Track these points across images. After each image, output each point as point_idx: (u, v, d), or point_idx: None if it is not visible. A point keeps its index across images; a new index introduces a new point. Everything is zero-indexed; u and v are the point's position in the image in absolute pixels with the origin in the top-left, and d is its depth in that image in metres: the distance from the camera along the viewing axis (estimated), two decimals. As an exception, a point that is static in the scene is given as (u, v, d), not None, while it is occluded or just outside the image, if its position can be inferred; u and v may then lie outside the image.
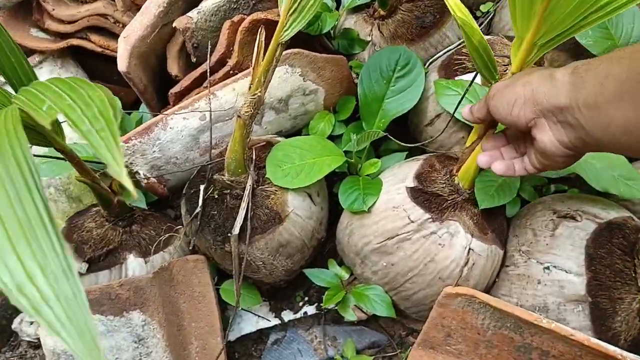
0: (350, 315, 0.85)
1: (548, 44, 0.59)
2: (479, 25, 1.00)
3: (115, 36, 0.99)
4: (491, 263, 0.76)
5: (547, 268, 0.71)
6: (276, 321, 0.93)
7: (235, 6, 0.88)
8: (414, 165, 0.80)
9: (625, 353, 0.61)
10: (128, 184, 0.34)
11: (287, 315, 0.94)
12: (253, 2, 0.89)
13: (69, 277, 0.39)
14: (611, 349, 0.62)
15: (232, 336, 0.93)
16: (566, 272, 0.69)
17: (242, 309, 0.92)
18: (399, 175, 0.80)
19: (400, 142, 0.83)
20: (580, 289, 0.67)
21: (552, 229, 0.73)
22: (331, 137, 0.92)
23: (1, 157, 0.37)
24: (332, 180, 0.94)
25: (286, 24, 0.72)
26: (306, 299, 0.94)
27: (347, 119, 0.93)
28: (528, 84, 0.52)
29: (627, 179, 0.74)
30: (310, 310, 0.94)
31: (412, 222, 0.74)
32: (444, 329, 0.73)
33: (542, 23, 0.56)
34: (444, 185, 0.76)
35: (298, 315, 0.93)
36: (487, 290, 0.80)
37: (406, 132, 0.96)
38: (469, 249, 0.73)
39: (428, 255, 0.74)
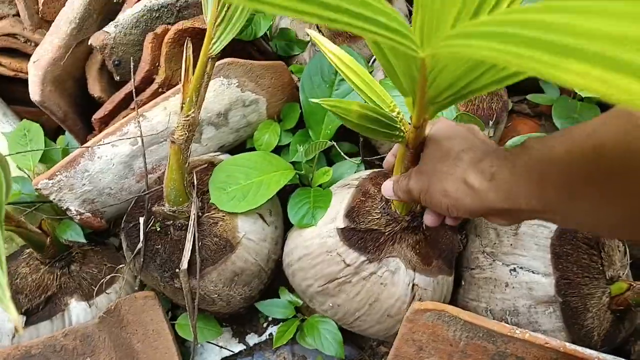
0: (309, 344, 0.80)
1: (441, 104, 0.47)
2: None
3: (28, 57, 0.89)
4: (440, 293, 0.72)
5: (514, 270, 0.68)
6: (240, 347, 0.88)
7: (157, 15, 0.79)
8: (346, 196, 0.72)
9: (602, 355, 0.60)
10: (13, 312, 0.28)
11: (252, 339, 0.89)
12: (177, 8, 0.81)
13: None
14: (587, 352, 0.60)
15: (196, 368, 0.88)
16: (533, 272, 0.67)
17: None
18: (330, 213, 0.72)
19: (346, 157, 0.79)
20: (549, 290, 0.65)
21: (514, 228, 0.70)
22: (278, 148, 0.86)
23: None
24: (286, 191, 0.89)
25: (214, 36, 0.65)
26: (270, 319, 0.90)
27: (294, 127, 0.87)
28: (447, 196, 0.46)
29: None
30: (276, 331, 0.89)
31: (349, 265, 0.68)
32: (415, 343, 0.70)
33: (427, 87, 0.44)
34: (380, 215, 0.68)
35: (263, 338, 0.89)
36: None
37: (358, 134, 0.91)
38: (413, 284, 0.68)
39: (372, 296, 0.69)
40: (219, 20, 0.65)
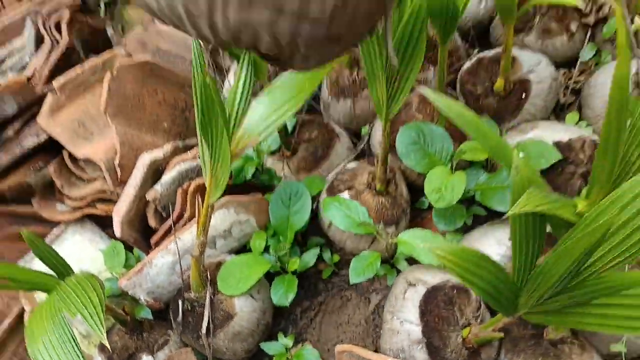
0: None
1: None
2: (359, 147, 1.40)
3: (114, 202, 1.43)
4: None
5: (402, 322, 1.06)
6: (251, 386, 1.30)
7: (185, 175, 1.31)
8: None
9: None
10: (104, 341, 0.75)
11: (258, 381, 1.31)
12: (198, 169, 1.32)
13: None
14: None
15: (224, 401, 1.30)
16: (410, 323, 1.04)
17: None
18: None
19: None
20: (419, 334, 1.03)
21: (404, 294, 1.09)
22: (268, 248, 1.31)
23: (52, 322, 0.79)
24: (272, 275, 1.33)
25: (210, 192, 1.14)
26: (270, 366, 1.31)
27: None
28: None
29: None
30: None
31: None
32: (345, 374, 1.09)
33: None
34: None
35: (266, 380, 1.30)
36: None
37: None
38: None
39: None
40: (211, 184, 1.13)
